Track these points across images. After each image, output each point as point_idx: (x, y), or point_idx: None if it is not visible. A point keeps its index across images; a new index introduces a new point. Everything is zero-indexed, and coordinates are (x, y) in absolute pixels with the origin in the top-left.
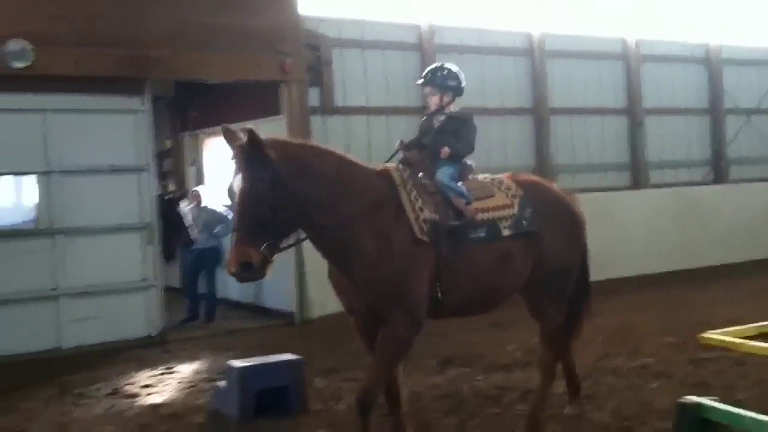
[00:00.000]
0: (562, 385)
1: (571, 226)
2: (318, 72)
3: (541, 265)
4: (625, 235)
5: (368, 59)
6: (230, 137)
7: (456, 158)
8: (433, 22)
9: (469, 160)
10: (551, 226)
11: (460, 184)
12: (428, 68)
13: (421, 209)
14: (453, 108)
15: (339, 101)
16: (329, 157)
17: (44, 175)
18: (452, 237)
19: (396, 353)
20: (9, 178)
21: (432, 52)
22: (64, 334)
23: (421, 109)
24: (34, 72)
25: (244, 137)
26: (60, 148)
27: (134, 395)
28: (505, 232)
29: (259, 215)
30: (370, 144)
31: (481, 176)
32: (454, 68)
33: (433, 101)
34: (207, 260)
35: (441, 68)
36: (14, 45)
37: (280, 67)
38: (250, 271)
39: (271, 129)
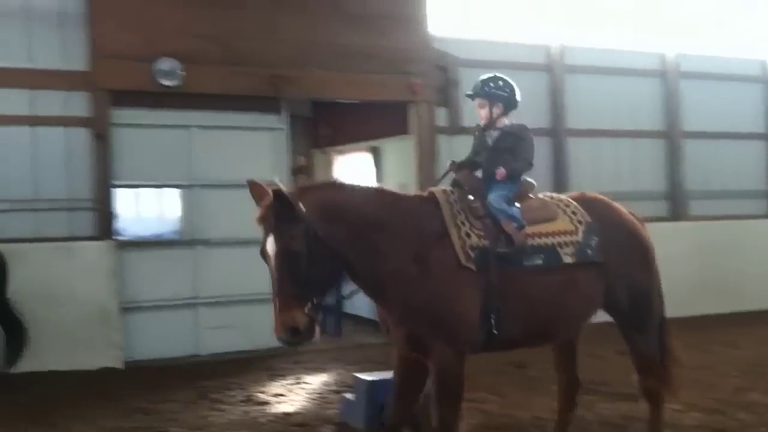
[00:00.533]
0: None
1: (643, 251)
2: (446, 92)
3: (614, 295)
4: (762, 264)
5: None
6: (257, 193)
7: (513, 178)
8: (562, 42)
9: (530, 178)
10: (621, 252)
11: (517, 205)
12: (478, 80)
13: (468, 235)
14: (506, 122)
15: (466, 122)
16: (367, 193)
17: (187, 189)
18: (503, 264)
19: (448, 388)
20: (154, 190)
21: (561, 72)
22: (202, 341)
23: (549, 131)
24: (182, 90)
25: (270, 193)
26: (202, 163)
27: (266, 403)
28: (567, 260)
29: (297, 275)
30: None
31: (544, 194)
32: (507, 79)
33: (483, 114)
34: None
35: (491, 78)
36: (164, 64)
37: (408, 88)
38: (298, 336)
39: (399, 148)
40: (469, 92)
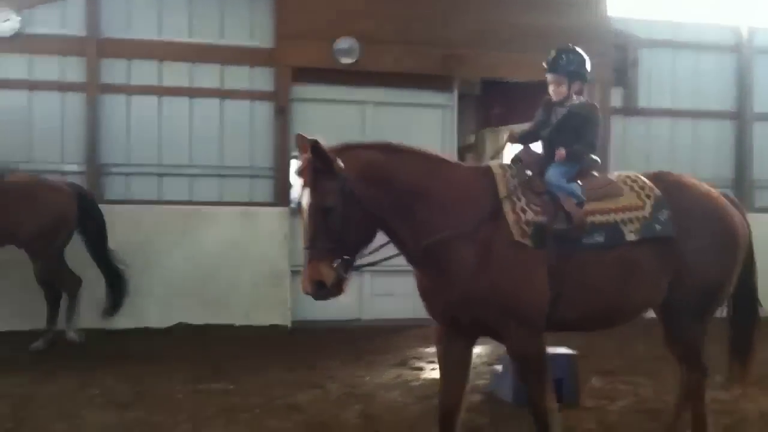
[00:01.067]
0: None
1: (724, 235)
2: (622, 72)
3: (681, 278)
4: None
5: (678, 60)
6: (301, 147)
7: (574, 159)
8: (752, 23)
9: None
10: (697, 233)
11: (579, 182)
12: (553, 52)
13: (523, 210)
14: (575, 99)
15: (643, 102)
16: (416, 159)
17: None
18: (561, 241)
19: (533, 371)
20: None
21: (750, 54)
22: (365, 307)
23: (735, 114)
24: (359, 68)
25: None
26: (375, 137)
27: (419, 368)
28: (630, 237)
29: (329, 231)
30: (674, 148)
31: (614, 174)
32: (582, 53)
33: (559, 91)
34: None
35: (571, 53)
36: (344, 43)
37: None
38: (324, 291)
39: None
40: (547, 66)
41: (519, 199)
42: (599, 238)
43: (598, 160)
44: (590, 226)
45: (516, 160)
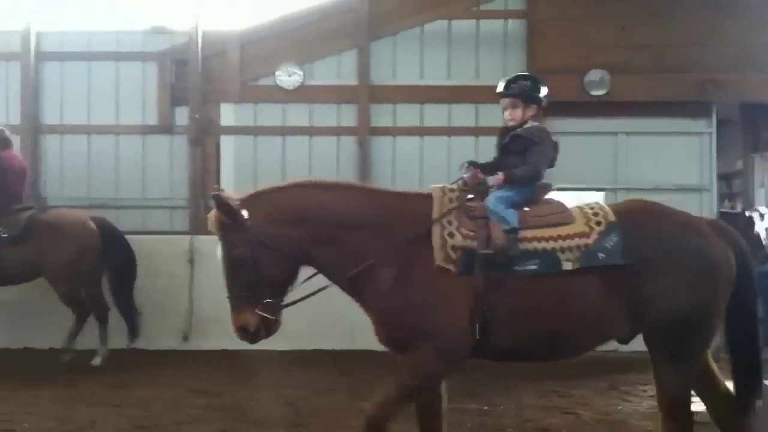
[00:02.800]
0: None
1: (697, 268)
2: None
3: (641, 312)
4: None
5: None
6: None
7: (513, 183)
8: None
9: (548, 180)
10: (661, 264)
11: (526, 209)
12: (510, 77)
13: (451, 234)
14: (530, 124)
15: None
16: (335, 193)
17: (611, 192)
18: (491, 267)
19: (414, 382)
20: (576, 194)
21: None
22: None
23: None
24: (609, 98)
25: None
26: (627, 168)
27: None
28: (567, 266)
29: (244, 280)
30: None
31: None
32: (538, 77)
33: (515, 115)
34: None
35: (526, 77)
36: (594, 75)
37: None
38: (248, 336)
39: None
40: (499, 89)
41: (450, 224)
42: (533, 266)
43: (551, 183)
44: (525, 253)
45: (463, 183)
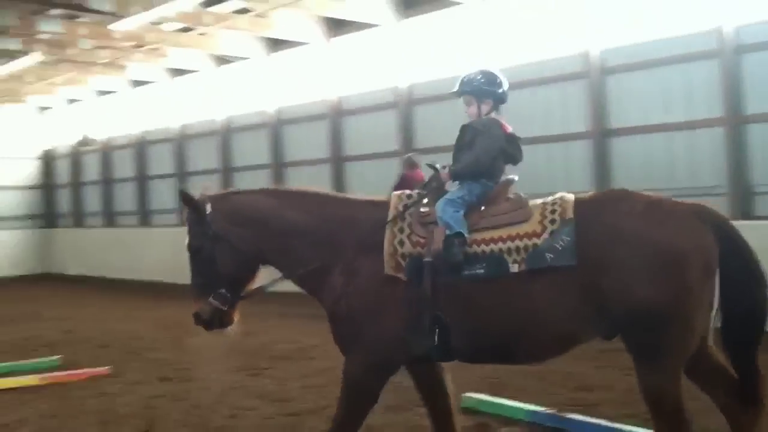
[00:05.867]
0: None
1: (658, 258)
2: None
3: (606, 308)
4: None
5: None
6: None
7: (460, 178)
8: None
9: (513, 175)
10: (618, 255)
11: (482, 208)
12: (465, 74)
13: (401, 243)
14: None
15: None
16: (298, 200)
17: None
18: (440, 274)
19: (354, 398)
20: None
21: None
22: None
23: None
24: None
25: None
26: None
27: None
28: (514, 268)
29: (202, 270)
30: None
31: (549, 198)
32: (495, 73)
33: (471, 112)
34: None
35: (479, 74)
36: None
37: None
38: (202, 322)
39: None
40: (455, 89)
41: (402, 231)
42: (479, 270)
43: (513, 178)
44: (472, 256)
45: (421, 188)
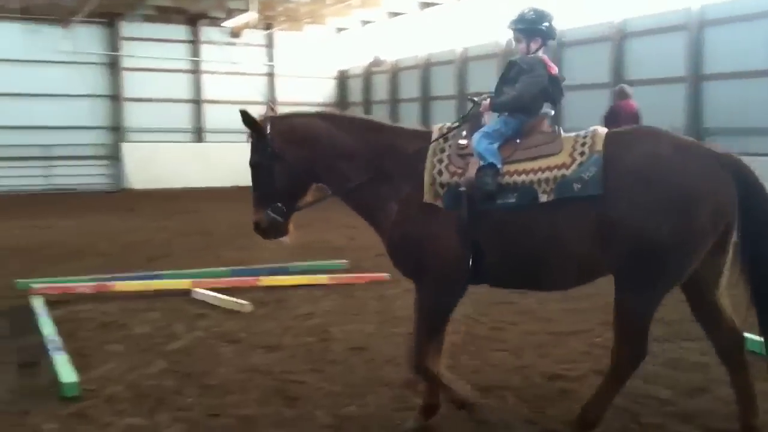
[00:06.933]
0: None
1: (668, 195)
2: None
3: (613, 239)
4: None
5: None
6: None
7: (500, 110)
8: None
9: (549, 109)
10: (631, 188)
11: (517, 141)
12: (519, 11)
13: (440, 173)
14: (541, 53)
15: None
16: (347, 124)
17: None
18: (476, 202)
19: (429, 317)
20: None
21: None
22: None
23: None
24: None
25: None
26: None
27: None
28: (543, 198)
29: (261, 184)
30: None
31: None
32: (545, 11)
33: (520, 49)
34: None
35: (530, 11)
36: None
37: None
38: (259, 231)
39: None
40: (509, 25)
41: (440, 162)
42: (511, 199)
43: (549, 112)
44: (505, 186)
45: (462, 120)
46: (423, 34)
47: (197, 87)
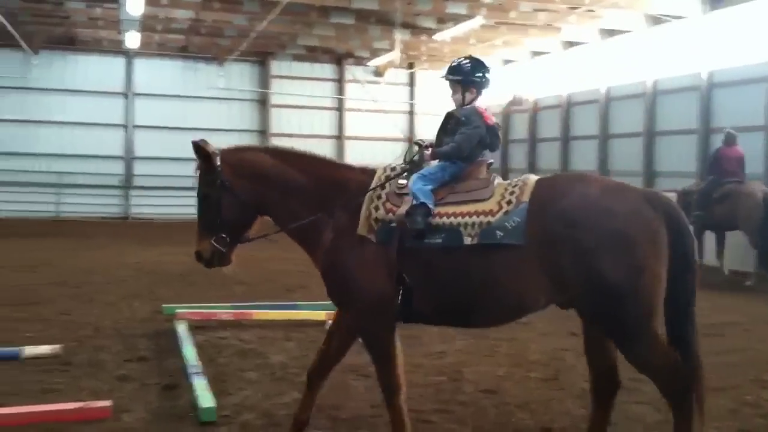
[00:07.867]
0: None
1: (611, 235)
2: None
3: (564, 283)
4: None
5: None
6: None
7: (443, 159)
8: None
9: (490, 158)
10: (575, 235)
11: (453, 185)
12: (452, 61)
13: (376, 208)
14: (477, 104)
15: None
16: (296, 161)
17: None
18: (407, 240)
19: (368, 346)
20: None
21: None
22: None
23: None
24: None
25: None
26: None
27: None
28: (467, 240)
29: (207, 214)
30: None
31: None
32: (481, 61)
33: (455, 98)
34: None
35: (466, 61)
36: None
37: None
38: (201, 260)
39: None
40: (443, 75)
41: (379, 198)
42: (438, 239)
43: (488, 160)
44: (434, 227)
45: (410, 162)
46: (564, 73)
47: (340, 124)
